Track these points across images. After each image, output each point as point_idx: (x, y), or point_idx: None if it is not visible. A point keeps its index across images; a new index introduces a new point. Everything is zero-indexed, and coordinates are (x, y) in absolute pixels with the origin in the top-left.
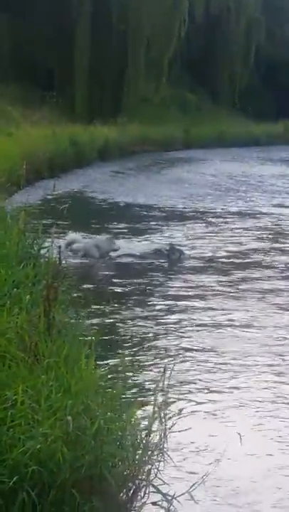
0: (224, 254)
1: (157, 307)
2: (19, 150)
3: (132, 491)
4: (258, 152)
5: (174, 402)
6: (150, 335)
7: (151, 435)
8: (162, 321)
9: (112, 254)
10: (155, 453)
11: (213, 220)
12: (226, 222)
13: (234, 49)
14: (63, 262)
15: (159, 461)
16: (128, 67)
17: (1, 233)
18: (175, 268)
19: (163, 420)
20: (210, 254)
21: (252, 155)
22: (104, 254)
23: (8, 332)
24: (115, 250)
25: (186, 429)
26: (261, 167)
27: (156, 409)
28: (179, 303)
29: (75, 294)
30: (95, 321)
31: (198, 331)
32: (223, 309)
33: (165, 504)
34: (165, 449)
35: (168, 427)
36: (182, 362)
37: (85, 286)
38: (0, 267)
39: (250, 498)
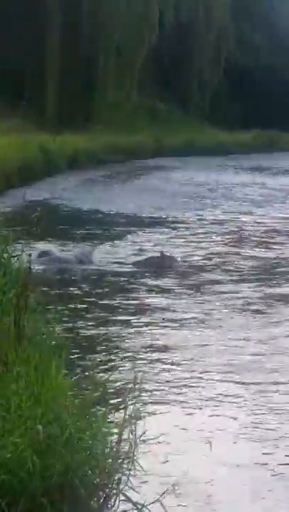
0: (194, 260)
1: (130, 316)
2: None
3: (102, 500)
4: (227, 160)
5: (145, 410)
6: (122, 343)
7: (122, 443)
8: (135, 328)
9: (101, 261)
10: (126, 461)
11: (182, 227)
12: (195, 230)
13: (204, 57)
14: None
15: (130, 470)
16: (98, 76)
17: None
18: (154, 276)
19: (133, 428)
20: (180, 260)
21: (221, 163)
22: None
23: None
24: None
25: (156, 437)
26: (230, 175)
27: (126, 417)
28: (152, 312)
29: (48, 306)
30: (66, 329)
31: (171, 339)
32: (196, 317)
33: None
34: (135, 458)
35: (138, 435)
36: (153, 370)
37: (61, 294)
38: None
39: (222, 505)
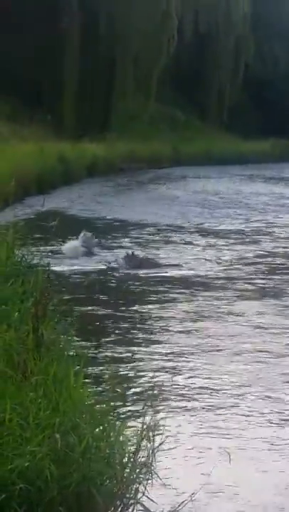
0: (210, 271)
1: (148, 325)
2: (7, 166)
3: (119, 509)
4: (245, 169)
5: (163, 420)
6: (140, 352)
7: (140, 453)
8: (152, 338)
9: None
10: (143, 471)
11: (199, 237)
12: (212, 240)
13: (223, 66)
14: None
15: (147, 479)
16: (116, 84)
17: None
18: (167, 285)
19: (151, 438)
20: (197, 271)
21: (239, 172)
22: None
23: None
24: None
25: (174, 447)
26: (248, 184)
27: (144, 427)
28: (170, 321)
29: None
30: (84, 337)
31: (188, 349)
32: (211, 329)
33: None
34: (153, 467)
35: (156, 445)
36: (171, 380)
37: (76, 301)
38: None
39: None
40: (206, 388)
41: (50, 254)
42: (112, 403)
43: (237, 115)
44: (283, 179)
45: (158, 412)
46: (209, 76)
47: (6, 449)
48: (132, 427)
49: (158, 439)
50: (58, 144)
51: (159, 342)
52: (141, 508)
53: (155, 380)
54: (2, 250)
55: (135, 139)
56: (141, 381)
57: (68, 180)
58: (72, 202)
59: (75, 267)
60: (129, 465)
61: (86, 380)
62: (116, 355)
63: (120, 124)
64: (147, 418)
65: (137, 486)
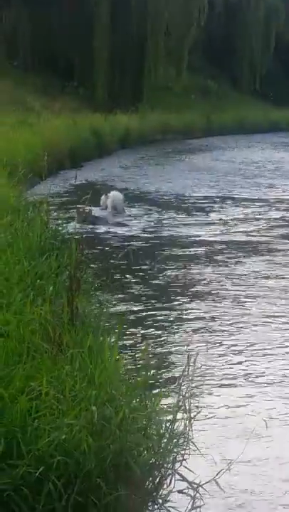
0: (246, 240)
1: (181, 294)
2: (40, 140)
3: (157, 480)
4: (278, 138)
5: (199, 390)
6: (175, 323)
7: (176, 424)
8: (187, 309)
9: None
10: (180, 441)
11: (236, 206)
12: (251, 209)
13: (254, 35)
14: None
15: (184, 450)
16: (148, 55)
17: (24, 225)
18: (202, 253)
19: (187, 409)
20: (238, 238)
21: (273, 141)
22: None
23: (32, 323)
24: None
25: (210, 417)
26: (283, 153)
27: (180, 397)
28: (205, 290)
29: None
30: (118, 309)
31: (224, 319)
32: (250, 298)
33: (191, 492)
34: (190, 438)
35: (192, 415)
36: (207, 350)
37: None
38: (23, 259)
39: (276, 486)
40: (245, 358)
41: (83, 226)
42: (148, 374)
43: (269, 83)
44: None
45: (194, 382)
46: (241, 45)
47: (43, 423)
48: (168, 397)
49: (194, 409)
50: (90, 116)
51: (198, 312)
52: (179, 478)
53: (192, 349)
54: (36, 225)
55: (168, 109)
56: (177, 351)
57: (101, 152)
58: (105, 174)
59: (106, 234)
60: (166, 435)
61: (121, 352)
62: (152, 325)
63: (152, 95)
64: (183, 388)
65: (175, 456)
